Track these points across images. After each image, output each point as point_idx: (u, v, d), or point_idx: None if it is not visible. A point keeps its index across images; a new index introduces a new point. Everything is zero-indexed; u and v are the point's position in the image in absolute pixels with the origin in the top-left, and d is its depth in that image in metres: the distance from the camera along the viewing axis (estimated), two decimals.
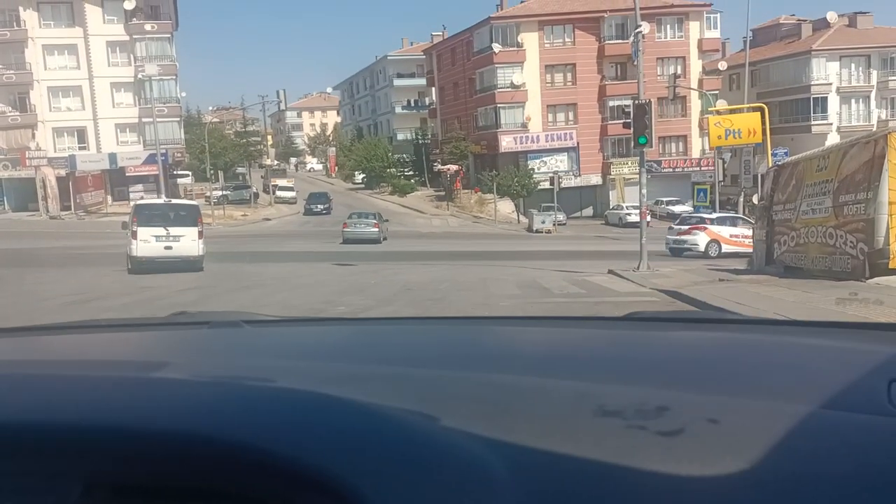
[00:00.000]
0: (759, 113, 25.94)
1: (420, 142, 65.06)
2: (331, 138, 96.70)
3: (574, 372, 1.12)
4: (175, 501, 0.71)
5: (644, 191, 16.44)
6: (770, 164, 17.54)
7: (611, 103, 51.28)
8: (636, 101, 15.43)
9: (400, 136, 70.94)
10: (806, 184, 12.71)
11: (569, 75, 52.94)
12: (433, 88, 64.86)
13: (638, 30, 16.03)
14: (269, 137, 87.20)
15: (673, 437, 0.75)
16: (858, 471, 0.68)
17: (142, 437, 0.75)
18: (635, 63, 17.21)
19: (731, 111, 29.19)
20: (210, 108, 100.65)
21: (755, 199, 33.74)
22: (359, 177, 67.85)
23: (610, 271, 16.57)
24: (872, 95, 53.99)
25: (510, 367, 1.18)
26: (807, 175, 12.76)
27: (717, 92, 50.49)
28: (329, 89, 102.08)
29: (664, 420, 0.81)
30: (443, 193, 54.25)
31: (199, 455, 0.72)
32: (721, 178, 34.41)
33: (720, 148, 31.72)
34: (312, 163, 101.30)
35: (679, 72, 47.46)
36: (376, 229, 31.92)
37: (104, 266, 19.24)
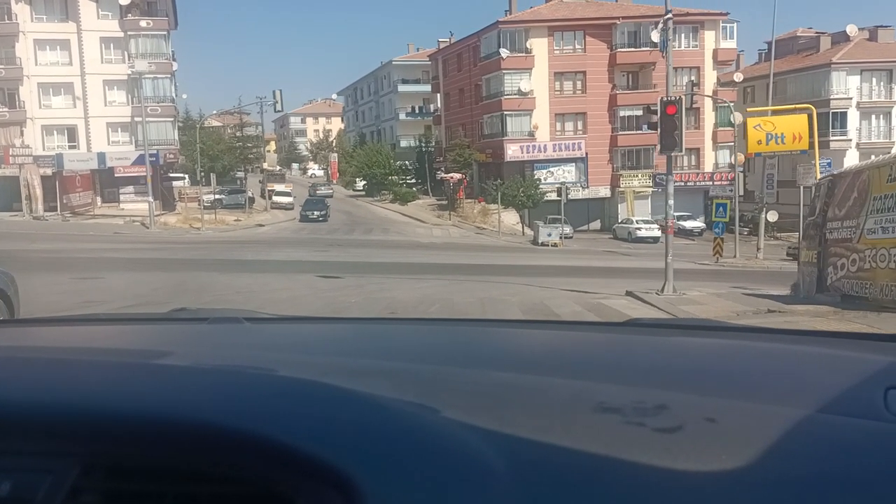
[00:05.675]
0: (805, 115, 23.23)
1: (423, 149, 63.26)
2: (333, 144, 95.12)
3: (573, 371, 1.13)
4: (172, 483, 0.72)
5: (671, 201, 14.36)
6: (818, 175, 15.41)
7: (622, 113, 49.51)
8: (665, 99, 13.43)
9: (403, 143, 69.25)
10: (873, 197, 10.59)
11: (578, 83, 51.06)
12: (438, 94, 63.03)
13: (667, 16, 14.09)
14: (273, 143, 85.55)
15: (670, 433, 0.76)
16: (854, 473, 0.69)
17: (139, 420, 0.75)
18: (663, 55, 15.24)
19: (775, 112, 26.44)
20: (213, 112, 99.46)
21: (770, 217, 31.68)
22: (360, 183, 66.11)
23: (629, 293, 14.55)
24: (894, 111, 51.92)
25: (509, 365, 1.17)
26: (874, 186, 10.65)
27: (731, 104, 48.53)
28: (334, 95, 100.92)
29: (662, 418, 0.81)
30: (445, 202, 52.25)
31: (196, 440, 0.72)
32: (740, 193, 32.16)
33: (740, 160, 29.49)
34: (314, 169, 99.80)
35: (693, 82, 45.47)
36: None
37: (71, 272, 17.28)
